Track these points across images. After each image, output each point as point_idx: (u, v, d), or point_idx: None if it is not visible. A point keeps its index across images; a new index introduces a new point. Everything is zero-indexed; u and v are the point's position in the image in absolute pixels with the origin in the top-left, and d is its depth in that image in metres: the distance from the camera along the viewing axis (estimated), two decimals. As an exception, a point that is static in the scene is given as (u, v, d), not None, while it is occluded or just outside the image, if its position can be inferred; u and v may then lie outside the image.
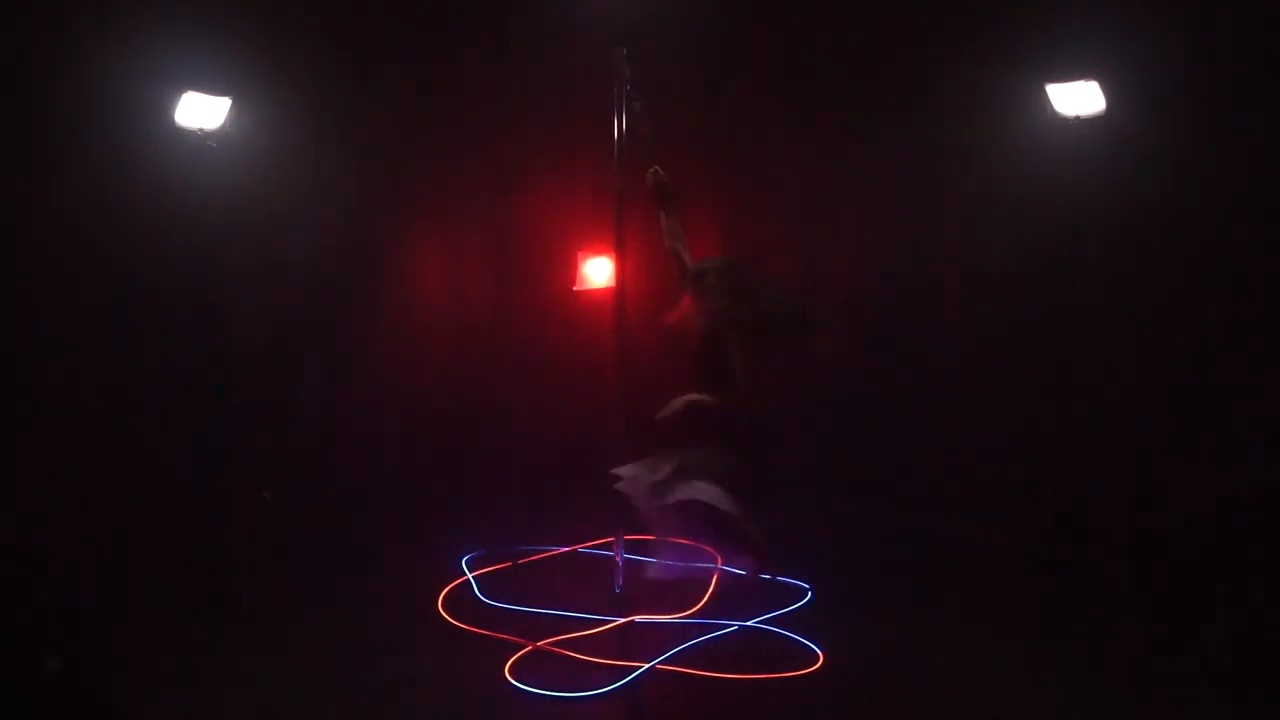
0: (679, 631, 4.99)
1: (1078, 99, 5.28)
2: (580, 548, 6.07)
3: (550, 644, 4.85)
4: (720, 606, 5.26)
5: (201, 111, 5.26)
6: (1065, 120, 5.36)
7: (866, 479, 6.63)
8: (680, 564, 5.20)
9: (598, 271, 5.95)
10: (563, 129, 6.63)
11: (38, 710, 3.78)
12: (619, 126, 5.13)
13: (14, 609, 4.93)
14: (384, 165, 6.58)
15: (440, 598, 5.37)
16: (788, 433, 4.86)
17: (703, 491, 4.54)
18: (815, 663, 4.67)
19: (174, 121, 5.27)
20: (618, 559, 5.27)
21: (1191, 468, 5.50)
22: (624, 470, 4.71)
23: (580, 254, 6.02)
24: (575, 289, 6.10)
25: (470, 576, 5.62)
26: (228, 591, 5.33)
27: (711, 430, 4.65)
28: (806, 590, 5.40)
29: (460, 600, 5.38)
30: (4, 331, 5.38)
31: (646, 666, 4.62)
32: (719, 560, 5.76)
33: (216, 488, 5.60)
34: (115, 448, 5.71)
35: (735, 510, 4.53)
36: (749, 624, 5.06)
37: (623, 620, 5.08)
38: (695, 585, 5.39)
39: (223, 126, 5.34)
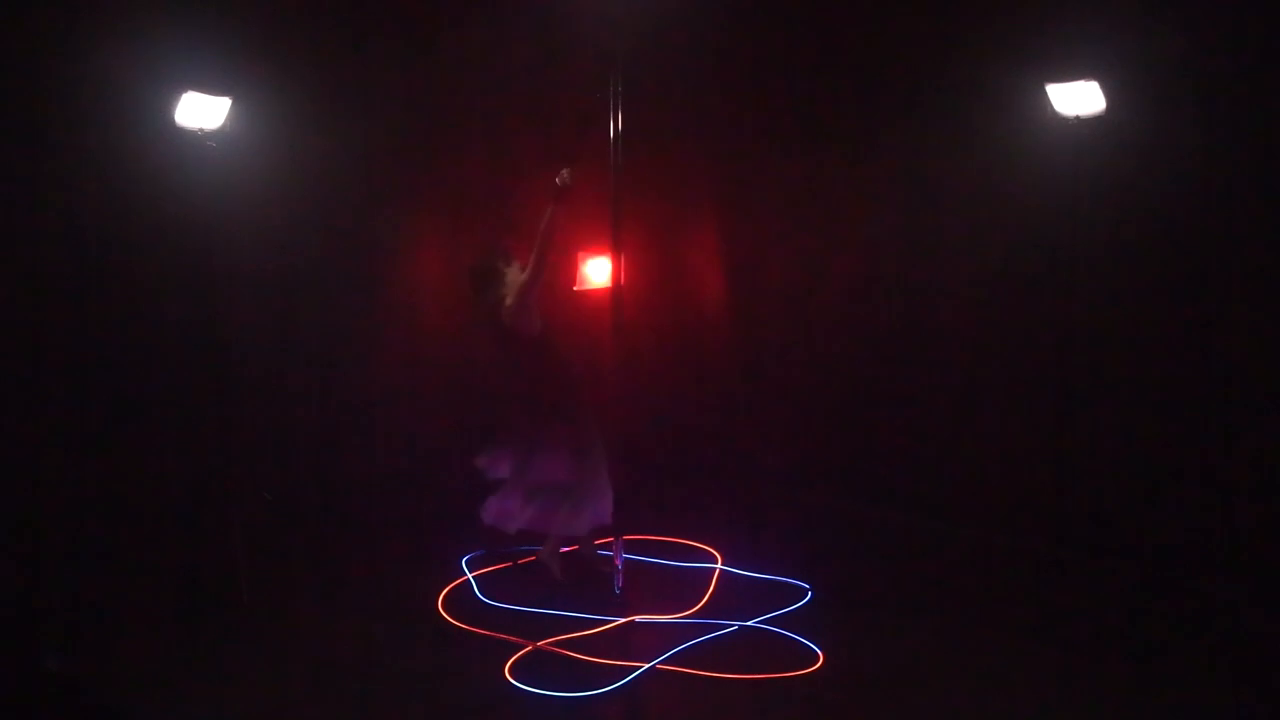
0: (680, 631, 4.99)
1: (1078, 99, 5.28)
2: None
3: (550, 644, 4.86)
4: (720, 607, 5.27)
5: (201, 111, 5.26)
6: (1065, 120, 5.36)
7: (867, 479, 6.63)
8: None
9: (598, 271, 5.96)
10: (562, 129, 6.63)
11: (38, 710, 3.78)
12: (615, 127, 5.14)
13: (14, 609, 4.93)
14: (384, 165, 6.58)
15: (440, 598, 5.38)
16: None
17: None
18: (815, 663, 4.67)
19: (174, 121, 5.27)
20: (617, 560, 5.27)
21: (1192, 468, 5.50)
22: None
23: (580, 254, 6.02)
24: (575, 289, 6.10)
25: (470, 576, 5.62)
26: (228, 591, 5.33)
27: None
28: (806, 590, 5.40)
29: (460, 600, 5.39)
30: (4, 331, 5.38)
31: (647, 666, 4.62)
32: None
33: (216, 488, 5.60)
34: (115, 447, 5.70)
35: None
36: (749, 624, 5.06)
37: (623, 620, 5.08)
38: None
39: (223, 126, 5.34)
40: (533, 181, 6.75)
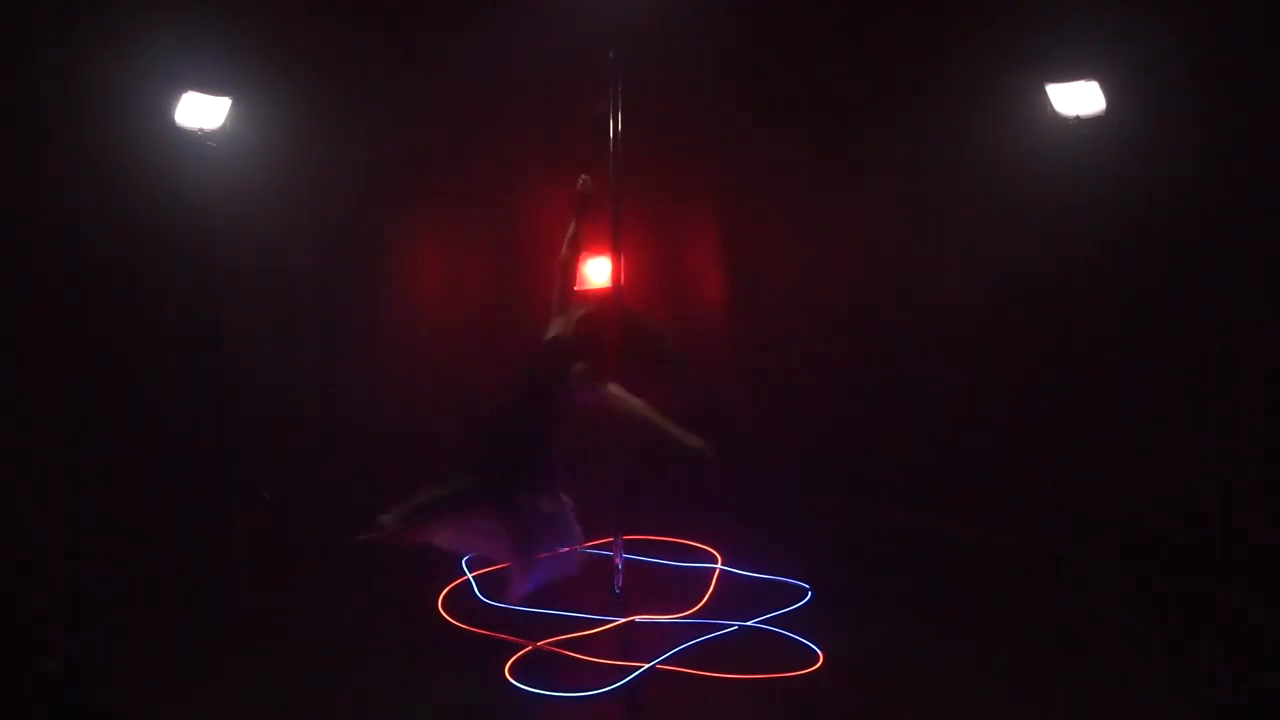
0: (680, 631, 4.99)
1: (1078, 99, 5.28)
2: (580, 548, 6.04)
3: (550, 644, 4.86)
4: (720, 607, 5.26)
5: (201, 111, 5.27)
6: (1065, 120, 5.36)
7: (867, 479, 6.63)
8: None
9: (598, 271, 5.95)
10: (562, 128, 6.63)
11: (38, 710, 3.78)
12: (615, 127, 5.14)
13: (14, 609, 4.93)
14: (384, 165, 6.58)
15: (440, 598, 5.37)
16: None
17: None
18: (815, 663, 4.67)
19: (174, 121, 5.27)
20: (617, 560, 5.27)
21: (1191, 466, 5.50)
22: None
23: (580, 254, 6.01)
24: (575, 289, 6.09)
25: (470, 577, 5.62)
26: (229, 591, 5.33)
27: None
28: (806, 590, 5.39)
29: (460, 600, 5.38)
30: (4, 331, 5.38)
31: (647, 666, 4.62)
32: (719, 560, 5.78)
33: (217, 489, 5.60)
34: (115, 448, 5.70)
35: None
36: (749, 624, 5.06)
37: (623, 620, 5.08)
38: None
39: (223, 126, 5.34)
40: (531, 182, 6.80)
